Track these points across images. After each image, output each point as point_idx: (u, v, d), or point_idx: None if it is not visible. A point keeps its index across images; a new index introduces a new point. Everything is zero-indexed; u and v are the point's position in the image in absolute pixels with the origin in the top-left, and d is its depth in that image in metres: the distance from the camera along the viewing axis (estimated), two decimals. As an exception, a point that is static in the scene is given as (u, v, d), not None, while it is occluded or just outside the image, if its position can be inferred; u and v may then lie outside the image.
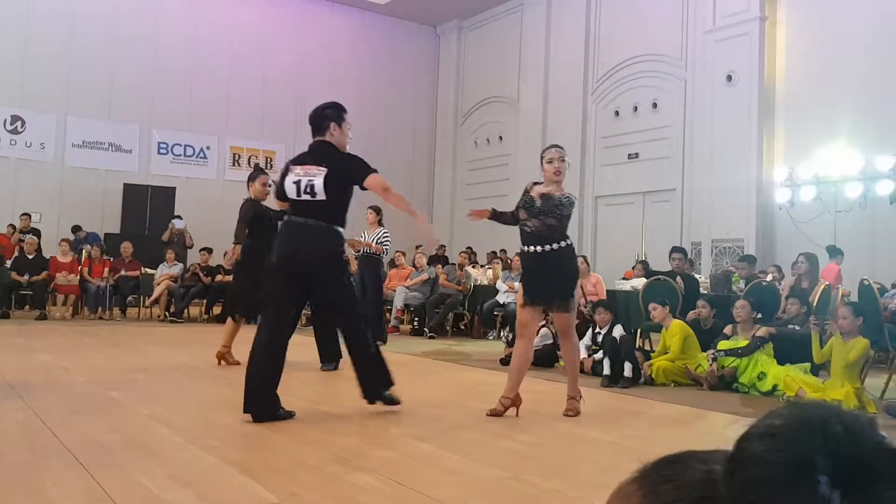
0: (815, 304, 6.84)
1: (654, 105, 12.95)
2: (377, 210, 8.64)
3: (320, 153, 4.15)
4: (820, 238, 9.88)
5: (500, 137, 16.13)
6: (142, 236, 13.03)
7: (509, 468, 3.14)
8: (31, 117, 13.56)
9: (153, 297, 11.09)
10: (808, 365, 5.66)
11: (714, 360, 5.80)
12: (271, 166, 15.61)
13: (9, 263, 10.61)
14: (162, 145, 14.69)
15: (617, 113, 13.64)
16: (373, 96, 16.74)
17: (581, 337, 6.86)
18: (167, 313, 10.94)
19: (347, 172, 4.09)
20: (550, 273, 4.28)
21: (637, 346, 6.83)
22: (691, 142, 12.15)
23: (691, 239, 11.87)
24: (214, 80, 15.07)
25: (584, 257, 9.18)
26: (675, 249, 8.27)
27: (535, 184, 4.38)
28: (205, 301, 11.41)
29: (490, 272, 11.31)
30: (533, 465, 3.25)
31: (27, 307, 10.97)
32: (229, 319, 6.27)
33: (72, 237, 12.02)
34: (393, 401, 4.29)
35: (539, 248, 4.27)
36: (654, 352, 6.43)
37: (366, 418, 4.12)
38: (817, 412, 0.50)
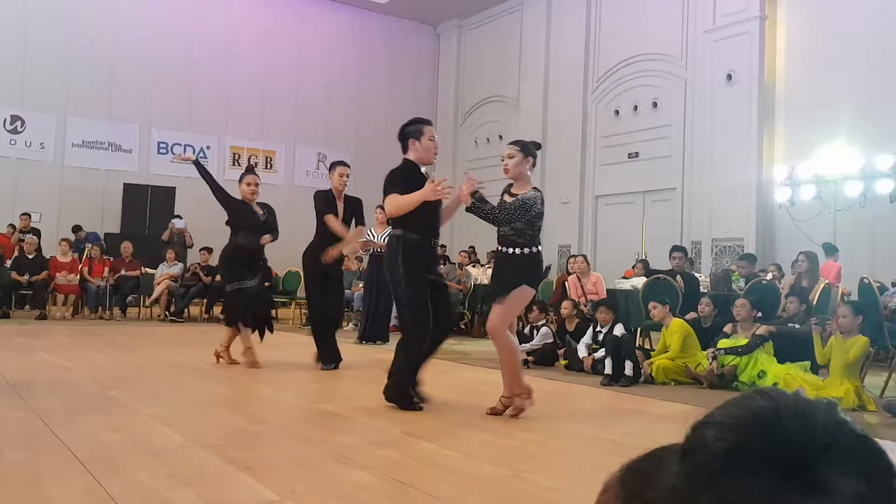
0: (814, 302, 6.84)
1: (655, 104, 12.95)
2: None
3: (391, 172, 4.43)
4: (820, 237, 9.88)
5: (501, 137, 16.11)
6: (142, 236, 13.03)
7: (510, 466, 3.14)
8: (31, 117, 13.55)
9: (153, 297, 11.09)
10: (808, 363, 5.66)
11: (714, 358, 5.80)
12: (271, 166, 15.64)
13: (9, 263, 10.61)
14: (162, 145, 14.69)
15: (617, 112, 13.64)
16: (372, 96, 16.73)
17: (581, 336, 6.88)
18: (167, 313, 10.95)
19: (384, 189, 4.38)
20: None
21: (637, 344, 6.83)
22: (691, 141, 12.15)
23: (691, 238, 11.87)
24: (214, 79, 15.06)
25: (584, 256, 9.19)
26: (675, 248, 8.27)
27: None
28: (205, 300, 11.42)
29: (490, 271, 11.29)
30: (533, 463, 3.25)
31: (27, 307, 10.96)
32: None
33: (72, 237, 12.02)
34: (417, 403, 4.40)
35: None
36: (654, 350, 6.44)
37: (366, 417, 4.12)
38: (771, 400, 0.49)
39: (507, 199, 4.30)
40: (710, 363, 5.79)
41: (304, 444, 3.43)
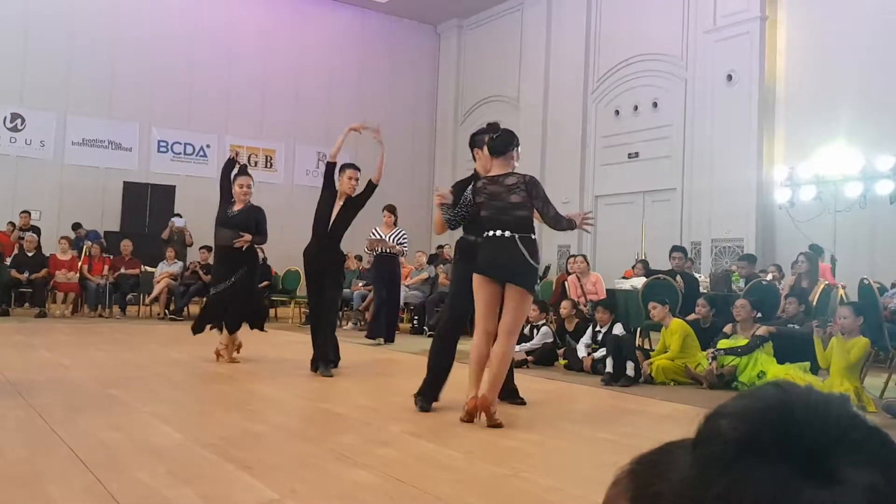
0: (814, 303, 6.84)
1: (655, 104, 12.95)
2: (392, 210, 8.74)
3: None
4: (820, 238, 9.87)
5: (500, 137, 16.12)
6: (142, 234, 13.03)
7: (509, 466, 3.14)
8: (31, 115, 13.55)
9: (153, 295, 11.10)
10: (807, 364, 5.66)
11: (714, 358, 5.80)
12: (271, 165, 15.64)
13: (8, 261, 10.60)
14: (162, 143, 14.68)
15: (617, 112, 13.64)
16: (372, 95, 16.72)
17: (581, 336, 6.88)
18: (167, 311, 10.95)
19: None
20: None
21: (637, 344, 6.84)
22: (691, 141, 12.15)
23: (691, 238, 11.87)
24: (214, 78, 15.05)
25: (584, 256, 9.19)
26: (675, 248, 8.27)
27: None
28: (204, 299, 11.40)
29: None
30: (533, 462, 3.26)
31: (27, 305, 10.97)
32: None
33: (72, 235, 12.02)
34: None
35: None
36: (653, 350, 6.44)
37: (366, 416, 4.12)
38: (784, 392, 0.49)
39: (493, 186, 4.22)
40: (710, 363, 5.80)
41: (305, 443, 3.43)
